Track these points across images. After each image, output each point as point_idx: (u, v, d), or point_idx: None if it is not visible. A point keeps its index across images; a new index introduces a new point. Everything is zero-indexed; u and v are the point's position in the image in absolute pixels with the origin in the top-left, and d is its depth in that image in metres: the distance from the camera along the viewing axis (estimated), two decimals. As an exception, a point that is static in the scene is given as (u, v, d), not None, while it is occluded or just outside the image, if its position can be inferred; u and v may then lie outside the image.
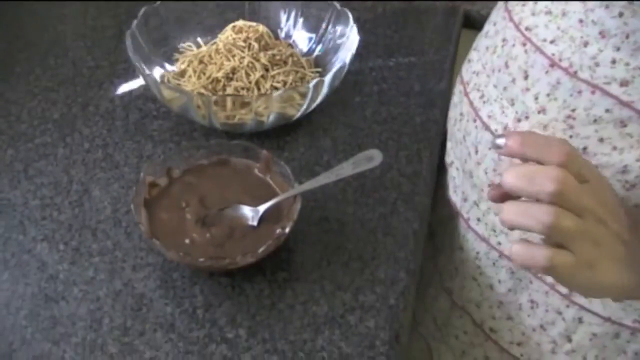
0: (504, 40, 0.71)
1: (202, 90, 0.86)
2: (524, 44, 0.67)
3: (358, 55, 0.89)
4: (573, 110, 0.63)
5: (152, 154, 0.84)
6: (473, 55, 0.80)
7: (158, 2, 0.93)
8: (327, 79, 0.82)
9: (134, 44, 0.86)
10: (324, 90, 0.83)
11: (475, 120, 0.75)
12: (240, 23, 0.93)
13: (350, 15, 0.91)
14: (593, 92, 0.62)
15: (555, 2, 0.65)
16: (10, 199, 0.79)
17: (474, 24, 1.13)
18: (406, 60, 1.01)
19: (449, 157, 0.85)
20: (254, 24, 0.93)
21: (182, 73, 0.91)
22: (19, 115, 0.90)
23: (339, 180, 0.75)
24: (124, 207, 0.78)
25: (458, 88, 0.82)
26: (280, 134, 0.87)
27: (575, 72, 0.62)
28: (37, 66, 0.99)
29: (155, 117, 0.90)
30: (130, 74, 0.96)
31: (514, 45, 0.69)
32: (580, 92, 0.62)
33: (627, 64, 0.59)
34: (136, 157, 0.84)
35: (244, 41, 0.90)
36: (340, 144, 0.87)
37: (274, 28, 0.97)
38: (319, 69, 0.92)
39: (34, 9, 1.12)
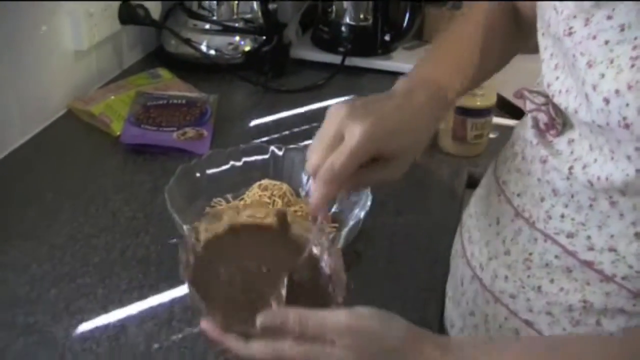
0: (488, 191, 0.84)
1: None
2: (499, 195, 0.80)
3: (371, 212, 1.00)
4: (530, 254, 0.74)
5: (184, 297, 0.93)
6: (471, 201, 0.92)
7: (193, 161, 1.05)
8: (344, 232, 0.92)
9: (171, 198, 0.97)
10: (340, 243, 0.93)
11: (462, 257, 0.87)
12: (265, 182, 1.04)
13: (365, 178, 1.02)
14: (545, 241, 0.72)
15: (523, 162, 0.76)
16: (52, 332, 0.87)
17: (477, 184, 1.24)
18: (414, 219, 1.11)
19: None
20: (278, 182, 1.04)
21: (212, 226, 1.01)
22: (62, 258, 0.99)
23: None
24: (157, 343, 0.86)
25: (459, 231, 0.93)
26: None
27: (533, 223, 0.74)
28: (80, 215, 1.09)
29: (186, 264, 0.99)
30: (164, 225, 1.06)
31: (492, 196, 0.82)
32: (536, 239, 0.74)
33: (573, 219, 0.70)
34: (168, 299, 0.93)
35: (269, 198, 1.01)
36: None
37: (295, 186, 1.08)
38: (336, 225, 1.02)
39: (78, 162, 1.24)
